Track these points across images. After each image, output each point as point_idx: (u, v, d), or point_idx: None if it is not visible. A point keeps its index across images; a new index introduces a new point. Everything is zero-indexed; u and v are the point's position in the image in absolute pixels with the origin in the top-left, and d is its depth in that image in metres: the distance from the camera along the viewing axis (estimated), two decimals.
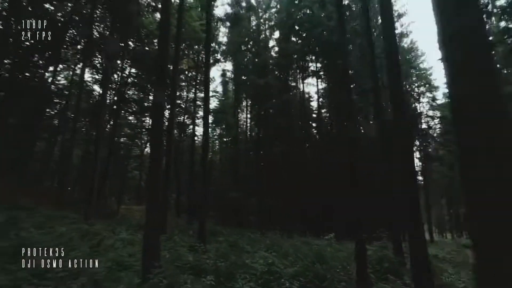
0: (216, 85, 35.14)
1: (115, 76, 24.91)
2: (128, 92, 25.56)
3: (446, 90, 33.58)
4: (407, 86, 27.54)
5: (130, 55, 23.79)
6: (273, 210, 21.52)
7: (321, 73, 27.13)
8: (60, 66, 24.58)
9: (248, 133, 35.32)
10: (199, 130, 36.83)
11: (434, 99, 26.57)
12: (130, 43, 23.89)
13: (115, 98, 23.79)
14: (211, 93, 33.11)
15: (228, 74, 30.43)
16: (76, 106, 16.10)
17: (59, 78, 25.67)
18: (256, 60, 22.56)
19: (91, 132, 23.16)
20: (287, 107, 26.92)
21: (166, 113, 20.82)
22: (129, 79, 25.01)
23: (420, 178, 31.91)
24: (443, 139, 25.80)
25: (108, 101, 25.06)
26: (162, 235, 10.07)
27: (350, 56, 18.25)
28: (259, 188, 21.93)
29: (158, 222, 5.35)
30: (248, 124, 36.34)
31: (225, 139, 40.46)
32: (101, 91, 15.53)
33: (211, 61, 23.66)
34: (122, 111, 25.80)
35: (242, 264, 6.30)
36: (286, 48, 22.96)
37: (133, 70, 25.08)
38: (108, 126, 23.72)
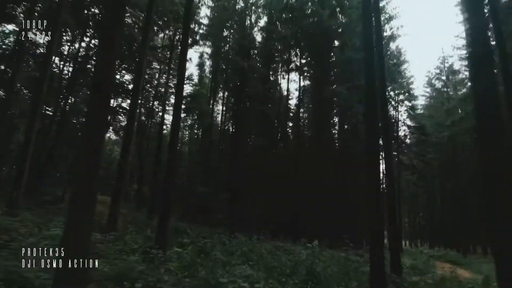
0: (191, 72, 32.70)
1: (76, 45, 21.76)
2: (89, 66, 22.35)
3: (423, 102, 34.14)
4: (387, 93, 27.32)
5: (94, 24, 20.78)
6: (244, 209, 19.84)
7: (305, 68, 25.92)
8: (10, 27, 20.86)
9: (221, 126, 33.25)
10: (170, 119, 34.07)
11: (412, 108, 26.51)
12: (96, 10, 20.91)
13: (71, 70, 20.69)
14: (185, 80, 30.65)
15: (207, 59, 28.07)
16: (13, 73, 13.15)
17: (6, 41, 21.90)
18: (239, 44, 20.61)
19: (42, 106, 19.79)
20: (266, 99, 25.43)
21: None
22: (91, 52, 21.88)
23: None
24: (417, 149, 25.81)
25: (66, 74, 21.83)
26: (111, 234, 7.95)
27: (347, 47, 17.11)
28: (231, 184, 20.12)
29: (90, 219, 3.40)
30: (223, 117, 34.32)
31: (196, 131, 38.09)
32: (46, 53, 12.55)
33: (189, 41, 21.34)
34: (84, 88, 22.51)
35: (216, 283, 4.51)
36: (273, 31, 21.23)
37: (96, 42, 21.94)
38: (62, 102, 20.56)
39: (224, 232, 15.48)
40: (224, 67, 30.29)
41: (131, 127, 10.35)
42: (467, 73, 27.03)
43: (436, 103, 28.30)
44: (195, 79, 32.92)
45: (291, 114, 33.44)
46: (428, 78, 34.17)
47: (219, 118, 36.12)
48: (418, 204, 43.43)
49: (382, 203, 6.75)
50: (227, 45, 25.97)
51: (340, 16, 17.17)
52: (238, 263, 6.35)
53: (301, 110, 31.44)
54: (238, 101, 23.07)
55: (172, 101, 29.13)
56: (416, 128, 25.94)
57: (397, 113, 28.84)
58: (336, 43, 21.75)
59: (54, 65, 20.43)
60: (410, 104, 26.30)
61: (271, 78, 28.42)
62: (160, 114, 28.45)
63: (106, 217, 9.53)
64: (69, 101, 21.58)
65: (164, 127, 37.20)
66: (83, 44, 21.57)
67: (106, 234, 7.77)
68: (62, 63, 21.56)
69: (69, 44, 21.46)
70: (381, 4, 21.59)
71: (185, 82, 29.80)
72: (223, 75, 31.59)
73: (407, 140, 27.66)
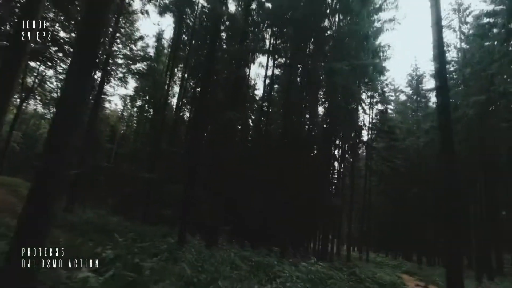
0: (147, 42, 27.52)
1: None
2: None
3: (391, 106, 33.80)
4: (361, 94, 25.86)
5: None
6: (199, 205, 16.07)
7: (282, 53, 23.08)
8: None
9: (177, 112, 28.68)
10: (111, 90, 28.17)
11: (385, 111, 25.40)
12: None
13: None
14: (140, 52, 25.58)
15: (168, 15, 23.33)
16: None
17: None
18: None
19: None
20: (234, 82, 22.09)
21: None
22: None
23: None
24: (386, 154, 24.74)
25: None
26: None
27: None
28: (186, 174, 16.19)
29: None
30: (180, 102, 29.80)
31: (146, 114, 32.97)
32: None
33: None
34: None
35: None
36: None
37: None
38: None
39: (171, 234, 11.66)
40: (186, 37, 26.13)
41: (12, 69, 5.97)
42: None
43: (406, 109, 27.90)
44: (151, 51, 28.02)
45: (255, 105, 30.80)
46: (394, 87, 34.06)
47: (174, 102, 31.57)
48: (370, 209, 43.68)
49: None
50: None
51: None
52: None
53: (265, 104, 28.85)
54: (205, 72, 19.01)
55: (120, 73, 24.04)
56: (387, 132, 24.87)
57: (368, 116, 27.60)
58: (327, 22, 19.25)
59: None
60: (383, 107, 25.17)
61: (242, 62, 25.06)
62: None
63: None
64: None
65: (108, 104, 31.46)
66: None
67: None
68: None
69: None
70: None
71: (139, 56, 24.89)
72: (185, 49, 27.28)
73: (375, 144, 26.45)
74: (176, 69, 29.74)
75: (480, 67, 18.73)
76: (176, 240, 10.64)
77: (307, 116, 27.27)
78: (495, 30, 18.54)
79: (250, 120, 30.75)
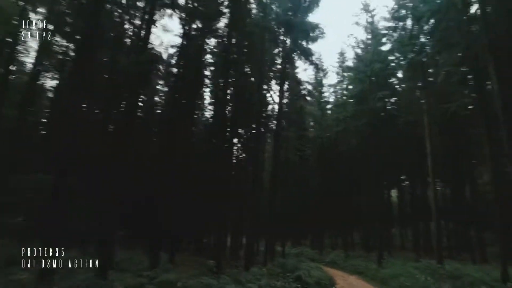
0: None
1: None
2: None
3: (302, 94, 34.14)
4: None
5: None
6: (75, 203, 10.42)
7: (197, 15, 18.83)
8: None
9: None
10: None
11: (297, 99, 24.78)
12: None
13: None
14: None
15: None
16: None
17: None
18: None
19: None
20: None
21: None
22: None
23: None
24: (297, 143, 24.37)
25: None
26: None
27: None
28: (55, 159, 10.19)
29: None
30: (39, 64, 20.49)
31: None
32: None
33: None
34: None
35: None
36: None
37: None
38: None
39: (27, 259, 6.32)
40: None
41: None
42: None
43: (313, 99, 28.59)
44: None
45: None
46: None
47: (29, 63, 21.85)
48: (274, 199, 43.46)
49: None
50: None
51: None
52: None
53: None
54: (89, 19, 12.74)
55: None
56: (296, 122, 24.46)
57: (276, 105, 26.52)
58: None
59: None
60: (293, 95, 24.48)
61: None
62: None
63: None
64: None
65: None
66: None
67: None
68: None
69: None
70: None
71: None
72: None
73: (284, 133, 25.66)
74: (32, 12, 20.52)
75: (383, 65, 20.39)
76: (38, 272, 5.63)
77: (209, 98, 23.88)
78: (394, 34, 20.50)
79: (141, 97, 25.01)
